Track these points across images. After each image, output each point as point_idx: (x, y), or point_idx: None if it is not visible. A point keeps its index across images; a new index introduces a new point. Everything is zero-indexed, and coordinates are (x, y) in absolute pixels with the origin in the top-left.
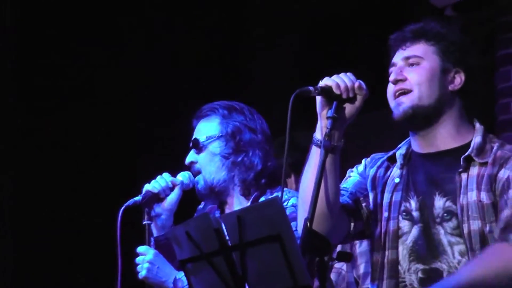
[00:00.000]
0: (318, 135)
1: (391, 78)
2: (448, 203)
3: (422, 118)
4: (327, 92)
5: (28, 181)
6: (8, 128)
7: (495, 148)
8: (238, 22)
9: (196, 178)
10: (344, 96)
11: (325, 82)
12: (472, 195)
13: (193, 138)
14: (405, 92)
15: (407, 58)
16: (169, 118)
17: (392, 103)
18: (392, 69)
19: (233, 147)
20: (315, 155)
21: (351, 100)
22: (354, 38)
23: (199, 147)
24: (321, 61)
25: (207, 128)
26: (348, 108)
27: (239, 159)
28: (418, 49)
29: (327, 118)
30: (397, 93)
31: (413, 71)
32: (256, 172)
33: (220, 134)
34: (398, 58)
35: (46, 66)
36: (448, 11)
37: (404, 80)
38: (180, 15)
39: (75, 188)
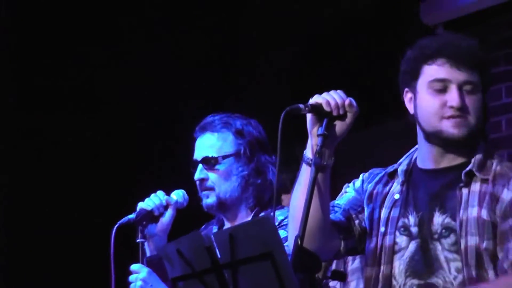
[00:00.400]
0: (309, 153)
1: (455, 104)
2: (448, 220)
3: (469, 141)
4: (317, 109)
5: (24, 185)
6: (7, 128)
7: (494, 164)
8: (231, 39)
9: (206, 192)
10: (335, 113)
11: (315, 99)
12: (473, 211)
13: (203, 153)
14: (465, 118)
15: (466, 83)
16: (169, 131)
17: (442, 121)
18: (441, 85)
19: (252, 168)
20: (305, 173)
21: (342, 117)
22: (345, 56)
23: (211, 165)
24: (313, 80)
25: (220, 145)
26: (339, 126)
27: (259, 181)
28: (475, 76)
29: (318, 135)
30: (451, 117)
31: (470, 100)
32: (273, 191)
33: (237, 153)
34: (453, 76)
35: (46, 66)
36: (440, 30)
37: (465, 108)
38: (179, 18)
39: (69, 206)
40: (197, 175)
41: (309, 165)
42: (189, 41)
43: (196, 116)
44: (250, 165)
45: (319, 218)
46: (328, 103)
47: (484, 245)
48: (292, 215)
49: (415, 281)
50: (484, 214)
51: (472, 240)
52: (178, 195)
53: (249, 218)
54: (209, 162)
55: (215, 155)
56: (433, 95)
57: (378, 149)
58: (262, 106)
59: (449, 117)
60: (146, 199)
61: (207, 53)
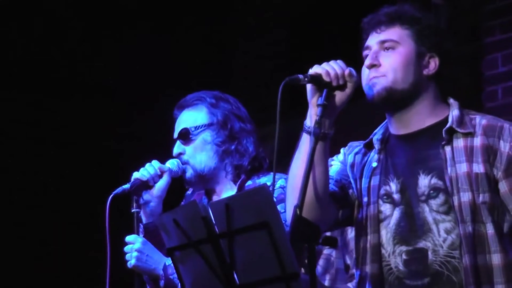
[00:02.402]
0: (309, 122)
1: (366, 63)
2: (434, 180)
3: (396, 100)
4: (317, 79)
5: (15, 170)
6: None
7: (477, 119)
8: (223, 10)
9: (183, 166)
10: (334, 83)
11: (314, 69)
12: (462, 167)
13: (179, 128)
14: (380, 76)
15: (383, 42)
16: (155, 106)
17: (366, 86)
18: (366, 52)
19: (226, 135)
20: (305, 142)
21: (341, 87)
22: (342, 24)
23: (187, 138)
24: (309, 48)
25: (194, 118)
26: (339, 96)
27: (233, 147)
28: (394, 33)
29: (317, 105)
30: (368, 79)
31: (389, 56)
32: (251, 157)
33: (210, 123)
34: (373, 41)
35: (27, 55)
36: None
37: (379, 65)
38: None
39: (63, 177)
40: (175, 151)
41: (309, 134)
42: (173, 31)
43: (187, 91)
44: (224, 132)
45: (318, 187)
46: (327, 73)
47: (481, 199)
48: (291, 184)
49: (404, 248)
50: (476, 168)
51: (465, 196)
52: (172, 164)
53: (235, 188)
54: (184, 136)
55: (189, 127)
56: (364, 66)
57: (375, 119)
58: (248, 95)
59: (367, 80)
60: (141, 169)
61: (193, 42)
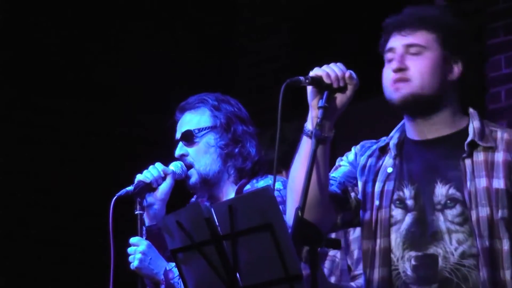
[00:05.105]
0: (309, 125)
1: (394, 66)
2: (452, 190)
3: (422, 105)
4: (317, 82)
5: (17, 171)
6: None
7: (499, 132)
8: (226, 11)
9: (189, 172)
10: (335, 85)
11: (315, 72)
12: (481, 182)
13: (182, 130)
14: (406, 80)
15: (409, 46)
16: (158, 108)
17: (389, 89)
18: (390, 55)
19: (229, 138)
20: (305, 145)
21: (342, 90)
22: (344, 27)
23: (191, 140)
24: (310, 51)
25: (197, 120)
26: (339, 98)
27: (237, 150)
28: (420, 37)
29: (318, 108)
30: (393, 82)
31: (416, 61)
32: (253, 161)
33: (214, 125)
34: (397, 43)
35: (35, 53)
36: (439, 0)
37: (406, 69)
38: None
39: (66, 178)
40: (177, 152)
41: (310, 137)
42: (178, 34)
43: (190, 93)
44: (228, 135)
45: (318, 190)
46: (328, 75)
47: (500, 214)
48: (291, 187)
49: (413, 253)
50: (497, 183)
51: (483, 211)
52: (176, 166)
53: (235, 190)
54: (188, 137)
55: (192, 129)
56: (386, 67)
57: (375, 121)
58: (249, 97)
59: (392, 83)
60: (144, 171)
61: (197, 45)
